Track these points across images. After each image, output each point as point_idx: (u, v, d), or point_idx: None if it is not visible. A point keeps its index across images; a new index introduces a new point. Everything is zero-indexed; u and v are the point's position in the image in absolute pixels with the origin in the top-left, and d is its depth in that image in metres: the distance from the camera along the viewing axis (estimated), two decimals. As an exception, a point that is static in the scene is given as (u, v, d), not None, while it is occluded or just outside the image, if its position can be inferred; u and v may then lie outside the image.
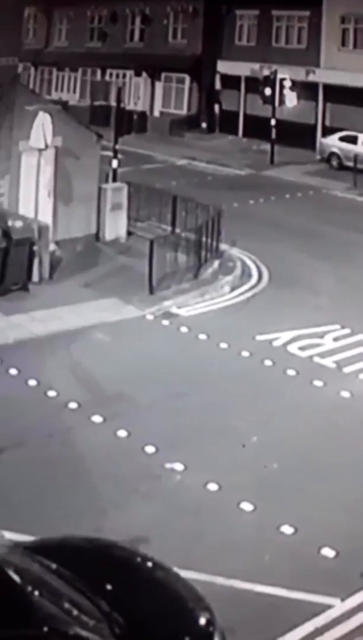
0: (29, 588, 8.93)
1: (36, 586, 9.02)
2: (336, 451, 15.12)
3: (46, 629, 8.59)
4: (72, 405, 16.23)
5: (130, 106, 45.18)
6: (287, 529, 12.68)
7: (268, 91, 41.44)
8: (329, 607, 11.10)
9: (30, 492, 13.29)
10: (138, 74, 52.46)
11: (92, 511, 12.83)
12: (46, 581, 9.27)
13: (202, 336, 20.11)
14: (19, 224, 22.15)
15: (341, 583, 11.54)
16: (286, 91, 41.19)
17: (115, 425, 15.45)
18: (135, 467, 14.26)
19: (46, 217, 23.72)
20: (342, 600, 11.24)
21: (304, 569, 11.86)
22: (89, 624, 8.99)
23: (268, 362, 18.75)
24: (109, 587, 9.57)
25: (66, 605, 9.09)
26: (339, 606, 11.14)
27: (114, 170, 29.42)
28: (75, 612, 9.06)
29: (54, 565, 9.57)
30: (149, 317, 21.24)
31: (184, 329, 20.58)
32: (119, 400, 16.58)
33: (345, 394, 17.41)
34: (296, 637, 10.63)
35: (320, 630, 10.74)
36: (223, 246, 26.06)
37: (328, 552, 12.20)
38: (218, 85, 50.31)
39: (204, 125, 50.03)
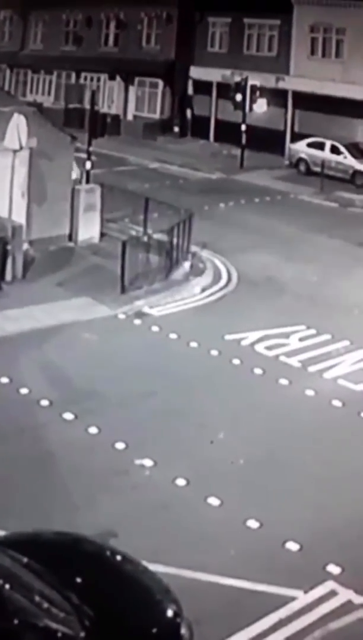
0: (0, 581, 8.94)
1: (7, 579, 9.03)
2: (301, 448, 15.20)
3: (16, 621, 8.61)
4: (44, 402, 16.20)
5: (104, 109, 45.06)
6: (253, 524, 12.75)
7: (238, 97, 41.47)
8: (292, 599, 11.18)
9: (1, 487, 13.25)
10: (112, 78, 52.36)
11: (63, 506, 12.84)
12: (17, 575, 9.27)
13: (173, 335, 20.14)
14: (-8, 223, 22.11)
15: (304, 576, 11.62)
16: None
17: (86, 422, 15.45)
18: (105, 463, 14.27)
19: (19, 217, 23.63)
20: (305, 592, 11.33)
21: (269, 562, 11.93)
22: (59, 617, 9.02)
23: (236, 361, 18.81)
24: (78, 580, 9.59)
25: (37, 598, 9.11)
26: (302, 598, 11.23)
27: (88, 172, 29.37)
28: (45, 605, 9.07)
29: (25, 559, 9.58)
30: (121, 316, 21.24)
31: (155, 329, 20.59)
32: (90, 397, 16.57)
33: (310, 392, 17.51)
34: (260, 628, 10.69)
35: (284, 622, 10.81)
36: (194, 248, 26.08)
37: (292, 546, 12.27)
38: (190, 90, 50.29)
39: (176, 129, 50.03)
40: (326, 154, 39.74)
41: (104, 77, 52.47)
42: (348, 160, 39.31)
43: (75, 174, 27.73)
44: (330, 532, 12.63)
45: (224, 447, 15.09)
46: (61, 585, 9.39)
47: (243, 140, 41.87)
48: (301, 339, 20.19)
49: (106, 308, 21.44)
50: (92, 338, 19.81)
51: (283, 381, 17.95)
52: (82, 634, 8.89)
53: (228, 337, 20.08)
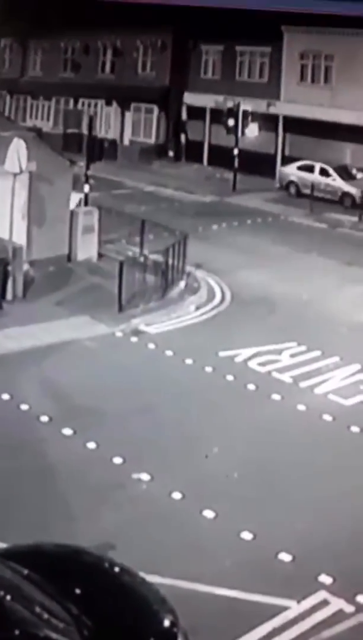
0: (1, 593, 8.91)
1: (8, 591, 9.00)
2: (293, 462, 15.20)
3: (17, 631, 8.57)
4: (44, 418, 16.19)
5: (101, 134, 45.13)
6: (247, 535, 12.73)
7: (231, 122, 41.60)
8: (286, 608, 11.15)
9: (2, 500, 13.23)
10: (108, 104, 52.49)
11: (62, 519, 12.81)
12: (18, 586, 9.24)
13: (168, 352, 20.15)
14: (-7, 245, 22.14)
15: (297, 586, 11.60)
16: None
17: (84, 437, 15.43)
18: (103, 477, 14.25)
19: (19, 238, 23.67)
20: (298, 602, 11.30)
21: (262, 572, 11.91)
22: (58, 627, 8.98)
23: (229, 377, 18.82)
24: (78, 591, 9.56)
25: (37, 609, 9.07)
26: (295, 608, 11.20)
27: (86, 195, 29.42)
28: (45, 616, 9.04)
29: (25, 571, 9.54)
30: (119, 334, 21.25)
31: (151, 346, 20.60)
32: (88, 413, 16.56)
33: (301, 407, 17.52)
34: (254, 638, 10.66)
35: (278, 631, 10.79)
36: (189, 268, 26.11)
37: (285, 557, 12.25)
38: (184, 115, 50.45)
39: (171, 153, 50.13)
40: (315, 176, 39.86)
41: (101, 103, 52.61)
42: (337, 182, 39.44)
43: (75, 201, 27.77)
44: (321, 543, 12.61)
45: (219, 461, 15.08)
46: (60, 596, 9.36)
47: (236, 164, 41.96)
48: (292, 355, 20.22)
49: (104, 326, 21.45)
50: (92, 346, 19.90)
51: (276, 396, 17.96)
52: (81, 644, 8.88)
53: (222, 353, 20.09)
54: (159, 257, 24.76)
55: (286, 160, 43.63)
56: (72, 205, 27.30)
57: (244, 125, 41.53)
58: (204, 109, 48.59)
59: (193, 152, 49.51)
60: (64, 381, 18.18)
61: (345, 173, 40.10)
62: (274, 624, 10.84)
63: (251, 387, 18.37)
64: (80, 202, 28.55)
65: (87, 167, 29.58)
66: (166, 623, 9.45)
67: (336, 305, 24.06)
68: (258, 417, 17.02)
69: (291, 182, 41.28)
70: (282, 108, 44.91)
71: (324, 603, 11.36)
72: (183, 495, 13.72)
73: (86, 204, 28.94)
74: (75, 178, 27.69)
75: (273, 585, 11.57)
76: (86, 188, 29.38)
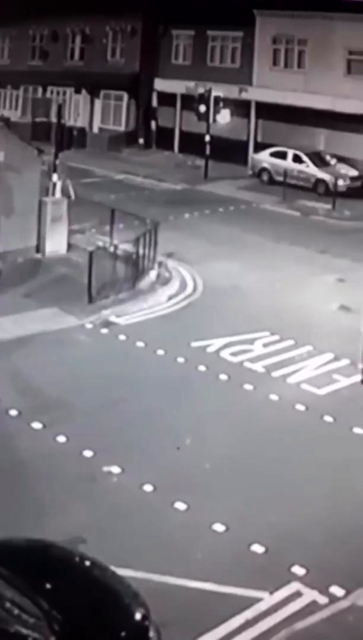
0: (-30, 588, 8.98)
1: (-23, 586, 9.06)
2: (265, 452, 15.31)
3: (-14, 627, 8.64)
4: (13, 412, 16.21)
5: (70, 122, 44.82)
6: (219, 527, 12.84)
7: (202, 108, 41.49)
8: (258, 600, 11.29)
9: (-28, 495, 13.27)
10: (77, 92, 52.24)
11: (33, 513, 12.86)
12: (-13, 581, 9.30)
13: (140, 344, 20.20)
14: None
15: (270, 577, 11.73)
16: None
17: (54, 430, 15.48)
18: (74, 470, 14.30)
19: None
20: (271, 593, 11.44)
21: (235, 564, 12.04)
22: (29, 622, 9.07)
23: (202, 368, 18.91)
24: (48, 586, 9.64)
25: (7, 604, 9.15)
26: (268, 599, 11.34)
27: (54, 184, 29.34)
28: (16, 611, 9.13)
29: (-6, 566, 9.61)
30: (89, 325, 21.27)
31: (122, 337, 20.64)
32: (58, 406, 16.60)
33: (274, 397, 17.63)
34: (227, 630, 10.79)
35: (250, 623, 10.92)
36: (160, 257, 26.14)
37: (257, 548, 12.37)
38: (154, 102, 50.29)
39: (141, 141, 49.99)
40: (288, 163, 39.86)
41: (70, 90, 52.36)
42: (310, 169, 39.48)
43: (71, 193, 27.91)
44: (294, 534, 12.73)
45: (191, 452, 15.18)
46: (31, 591, 9.43)
47: (207, 151, 41.94)
48: (265, 345, 20.32)
49: (73, 318, 21.46)
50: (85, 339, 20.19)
51: (248, 386, 18.07)
52: (52, 639, 8.94)
53: (194, 344, 20.17)
54: (129, 247, 24.77)
55: (259, 147, 43.59)
56: (57, 194, 27.24)
57: (215, 112, 41.42)
58: (175, 95, 48.45)
59: (163, 139, 49.39)
60: (33, 374, 18.19)
61: (318, 159, 40.12)
62: (247, 616, 10.98)
63: (223, 377, 18.47)
64: (67, 189, 28.62)
65: (56, 156, 29.47)
66: (138, 616, 9.56)
67: (309, 294, 24.16)
68: (230, 407, 17.12)
69: (264, 169, 41.28)
70: (254, 94, 44.86)
71: (297, 594, 11.51)
72: (155, 488, 13.81)
73: (54, 193, 28.88)
74: (55, 166, 27.75)
75: (245, 577, 11.69)
76: (55, 177, 29.30)
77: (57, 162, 28.27)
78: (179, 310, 23.02)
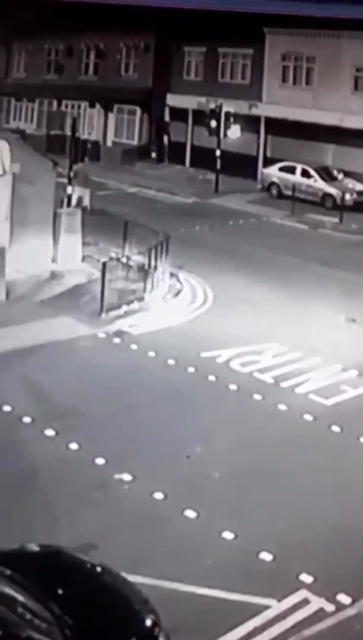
0: (-16, 594, 8.94)
1: (-9, 592, 9.03)
2: (273, 461, 15.25)
3: (0, 632, 8.60)
4: (27, 419, 16.18)
5: (84, 136, 45.02)
6: (228, 535, 12.78)
7: (213, 123, 41.63)
8: (266, 607, 11.22)
9: (-14, 501, 13.24)
10: (92, 106, 52.41)
11: (46, 519, 12.82)
12: (0, 587, 9.27)
13: (151, 353, 20.16)
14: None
15: (278, 585, 11.66)
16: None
17: (67, 438, 15.44)
18: (86, 477, 14.26)
19: (2, 240, 23.63)
20: (279, 601, 11.37)
21: (243, 572, 11.98)
22: (41, 627, 9.03)
23: (211, 378, 18.86)
24: (60, 591, 9.61)
25: (20, 609, 9.12)
26: (276, 606, 11.27)
27: (69, 196, 29.41)
28: (28, 616, 9.09)
29: (8, 572, 9.57)
30: (101, 335, 21.24)
31: (134, 347, 20.62)
32: (71, 414, 16.57)
33: (282, 406, 17.58)
34: (236, 636, 10.73)
35: (259, 630, 10.86)
36: (171, 269, 26.12)
37: (266, 556, 12.31)
38: (167, 117, 50.42)
39: (153, 155, 50.07)
40: (297, 177, 39.93)
41: (84, 104, 52.52)
42: (318, 183, 39.53)
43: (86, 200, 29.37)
44: (302, 543, 12.68)
45: (201, 461, 15.13)
46: (43, 596, 9.40)
47: (218, 166, 42.01)
48: (274, 356, 20.27)
49: (86, 327, 21.45)
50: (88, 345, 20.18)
51: (257, 396, 18.01)
52: (63, 644, 8.90)
53: (204, 354, 20.12)
54: (142, 258, 24.76)
55: (268, 162, 43.67)
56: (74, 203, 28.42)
57: (226, 127, 41.54)
58: (187, 110, 48.59)
59: (175, 153, 49.51)
60: (46, 382, 18.16)
61: (326, 174, 40.19)
62: (255, 623, 10.91)
63: (232, 387, 18.42)
64: (80, 199, 28.87)
65: (70, 169, 29.58)
66: (148, 622, 9.52)
67: (316, 306, 24.09)
68: (239, 417, 17.07)
69: (273, 183, 41.33)
70: (264, 109, 44.97)
71: (305, 602, 11.44)
72: (165, 495, 13.75)
73: (69, 205, 28.93)
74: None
75: (254, 584, 11.63)
76: (69, 189, 29.38)
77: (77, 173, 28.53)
78: (189, 321, 22.99)
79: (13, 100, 57.63)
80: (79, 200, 30.36)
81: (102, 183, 40.69)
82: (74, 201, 29.56)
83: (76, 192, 30.02)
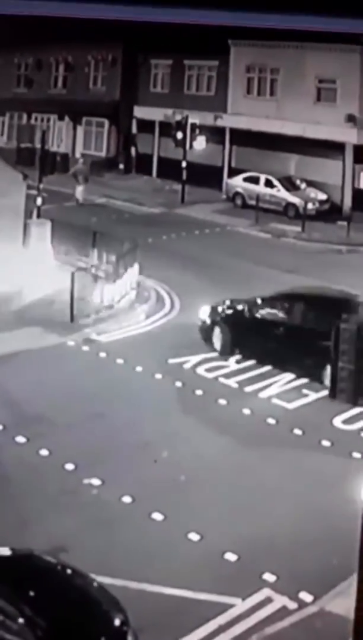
0: None
1: None
2: (238, 464, 15.45)
3: (-28, 633, 8.70)
4: (-2, 426, 16.31)
5: (53, 148, 44.99)
6: (194, 536, 12.96)
7: (179, 135, 41.73)
8: (231, 606, 11.40)
9: None
10: (61, 118, 52.35)
11: (16, 524, 12.93)
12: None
13: (119, 360, 20.31)
14: None
15: (242, 584, 11.85)
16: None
17: (37, 444, 15.55)
18: (56, 483, 14.39)
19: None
20: (243, 599, 11.56)
21: (209, 572, 12.15)
22: (13, 628, 9.14)
23: (178, 384, 19.04)
24: (31, 593, 9.71)
25: (-9, 611, 9.22)
26: (240, 605, 11.46)
27: (39, 208, 29.47)
28: (0, 617, 9.18)
29: (-20, 575, 9.68)
30: (70, 343, 21.35)
31: (103, 354, 20.74)
32: (41, 421, 16.67)
33: (246, 411, 17.78)
34: (201, 634, 10.91)
35: (223, 628, 11.05)
36: (139, 277, 26.25)
37: (230, 557, 12.49)
38: (134, 129, 50.46)
39: (121, 166, 50.07)
40: (261, 187, 40.09)
41: (53, 117, 52.47)
42: (281, 193, 39.70)
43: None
44: (266, 543, 12.86)
45: (167, 465, 15.29)
46: (14, 598, 9.50)
47: (184, 176, 42.14)
48: (238, 362, 20.44)
49: (55, 336, 21.53)
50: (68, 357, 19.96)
51: (222, 401, 18.21)
52: (34, 644, 9.02)
53: (171, 361, 20.29)
54: (110, 267, 24.87)
55: (233, 172, 43.81)
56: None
57: (192, 138, 41.63)
58: (154, 122, 48.64)
59: (142, 164, 49.56)
60: (16, 390, 18.24)
61: (289, 184, 40.39)
62: (220, 622, 11.10)
63: (199, 392, 18.61)
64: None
65: (40, 181, 29.64)
66: (117, 622, 9.66)
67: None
68: (205, 421, 17.25)
69: (238, 193, 41.50)
70: (229, 121, 45.15)
71: (268, 600, 11.63)
72: (133, 499, 13.91)
73: (38, 216, 29.00)
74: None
75: (219, 584, 11.81)
76: (39, 201, 29.44)
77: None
78: (157, 328, 23.14)
79: (-17, 114, 57.51)
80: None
81: (71, 194, 40.71)
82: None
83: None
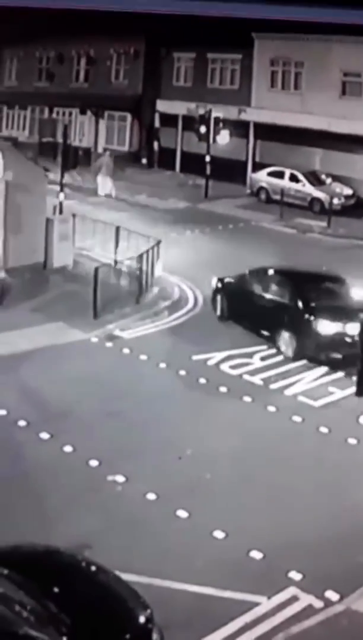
0: (-18, 593, 9.12)
1: (-11, 591, 9.21)
2: (263, 461, 15.47)
3: (-3, 629, 8.78)
4: (22, 423, 16.38)
5: (75, 143, 45.23)
6: (219, 534, 12.99)
7: (203, 129, 41.77)
8: (256, 604, 11.42)
9: (-17, 503, 13.43)
10: (83, 112, 52.51)
11: (41, 520, 13.00)
12: (-2, 586, 9.45)
13: (143, 357, 20.38)
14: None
15: (267, 582, 11.86)
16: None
17: (61, 441, 15.64)
18: (80, 479, 14.47)
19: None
20: (269, 598, 11.57)
21: (234, 570, 12.17)
22: (38, 624, 9.20)
23: (202, 380, 19.09)
24: (56, 589, 9.78)
25: (17, 607, 9.28)
26: (265, 604, 11.46)
27: (61, 203, 29.60)
28: (25, 614, 9.26)
29: (5, 571, 9.76)
30: (94, 339, 21.45)
31: (126, 350, 20.83)
32: (65, 417, 16.77)
33: (272, 408, 17.81)
34: (227, 633, 10.92)
35: (249, 626, 11.05)
36: (162, 273, 26.31)
37: (256, 555, 12.52)
38: (157, 123, 50.56)
39: (144, 161, 50.25)
40: (285, 182, 40.12)
41: (75, 111, 52.65)
42: (306, 188, 39.73)
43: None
44: (291, 541, 12.87)
45: (192, 462, 15.34)
46: (39, 594, 9.58)
47: (207, 171, 42.20)
48: (263, 358, 20.49)
49: (79, 332, 21.64)
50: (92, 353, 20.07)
51: (247, 398, 18.24)
52: (59, 641, 9.09)
53: (195, 357, 20.35)
54: (133, 263, 24.97)
55: (257, 167, 43.84)
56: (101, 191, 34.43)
57: (215, 132, 41.69)
58: (177, 116, 48.75)
59: (165, 159, 49.66)
60: (40, 386, 18.35)
61: (314, 179, 40.40)
62: (245, 620, 11.10)
63: (223, 389, 18.65)
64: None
65: (62, 175, 29.75)
66: (141, 619, 9.69)
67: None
68: (229, 419, 17.29)
69: (262, 188, 41.52)
70: (253, 114, 45.17)
71: (294, 599, 11.63)
72: (157, 496, 13.97)
73: (61, 211, 29.12)
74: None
75: (244, 582, 11.83)
76: (61, 196, 29.56)
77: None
78: (180, 324, 23.20)
79: (5, 108, 57.76)
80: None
81: (94, 189, 40.83)
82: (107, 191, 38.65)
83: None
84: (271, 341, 21.07)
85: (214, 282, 23.83)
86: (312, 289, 21.35)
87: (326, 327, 20.02)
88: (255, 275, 22.65)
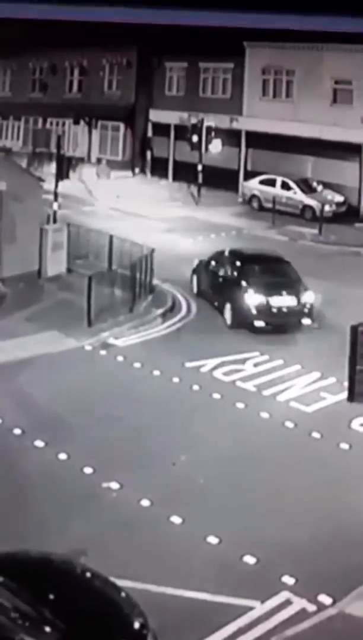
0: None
1: (-15, 598, 9.23)
2: (256, 467, 15.52)
3: (-7, 636, 8.81)
4: (17, 431, 16.42)
5: (69, 153, 45.26)
6: (213, 539, 13.04)
7: (195, 138, 41.86)
8: (250, 608, 11.47)
9: (-22, 511, 13.45)
10: (76, 123, 52.57)
11: (36, 527, 13.04)
12: (-6, 593, 9.47)
13: (136, 364, 20.42)
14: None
15: (261, 587, 11.91)
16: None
17: (56, 448, 15.68)
18: (75, 486, 14.50)
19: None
20: (262, 602, 11.62)
21: (228, 575, 12.22)
22: (33, 631, 9.23)
23: (196, 387, 19.13)
24: (51, 596, 9.81)
25: (12, 614, 9.32)
26: (259, 608, 11.52)
27: (55, 212, 29.64)
28: (20, 620, 9.29)
29: (0, 578, 9.78)
30: (88, 347, 21.49)
31: (120, 358, 20.87)
32: (60, 425, 16.79)
33: (264, 414, 17.86)
34: (221, 637, 10.96)
35: (243, 630, 11.10)
36: (156, 282, 26.37)
37: (249, 559, 12.56)
38: (150, 132, 50.69)
39: (137, 170, 50.35)
40: (277, 190, 40.17)
41: (68, 122, 52.71)
42: (298, 195, 39.79)
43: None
44: (284, 546, 12.92)
45: (186, 468, 15.38)
46: (35, 601, 9.60)
47: (200, 179, 42.29)
48: (255, 365, 20.55)
49: (73, 340, 21.67)
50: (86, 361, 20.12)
51: (240, 405, 18.29)
52: (55, 647, 9.12)
53: (188, 364, 20.39)
54: (126, 272, 25.00)
55: (249, 175, 43.91)
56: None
57: (208, 141, 41.79)
58: (169, 125, 48.84)
59: (158, 168, 49.77)
60: (35, 395, 18.38)
61: (305, 186, 40.47)
62: (239, 624, 11.16)
63: (216, 396, 18.69)
64: None
65: (56, 185, 29.80)
66: (137, 625, 9.73)
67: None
68: (223, 425, 17.33)
69: (254, 196, 41.59)
70: (244, 123, 45.26)
71: (287, 603, 11.69)
72: (152, 502, 14.01)
73: (55, 221, 29.17)
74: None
75: (238, 586, 11.87)
76: (55, 205, 29.61)
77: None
78: (174, 332, 23.25)
79: (-1, 119, 57.88)
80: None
81: (87, 199, 40.89)
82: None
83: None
84: (220, 312, 23.81)
85: (194, 264, 26.76)
86: (254, 268, 24.14)
87: (251, 298, 22.87)
88: (216, 257, 25.60)
